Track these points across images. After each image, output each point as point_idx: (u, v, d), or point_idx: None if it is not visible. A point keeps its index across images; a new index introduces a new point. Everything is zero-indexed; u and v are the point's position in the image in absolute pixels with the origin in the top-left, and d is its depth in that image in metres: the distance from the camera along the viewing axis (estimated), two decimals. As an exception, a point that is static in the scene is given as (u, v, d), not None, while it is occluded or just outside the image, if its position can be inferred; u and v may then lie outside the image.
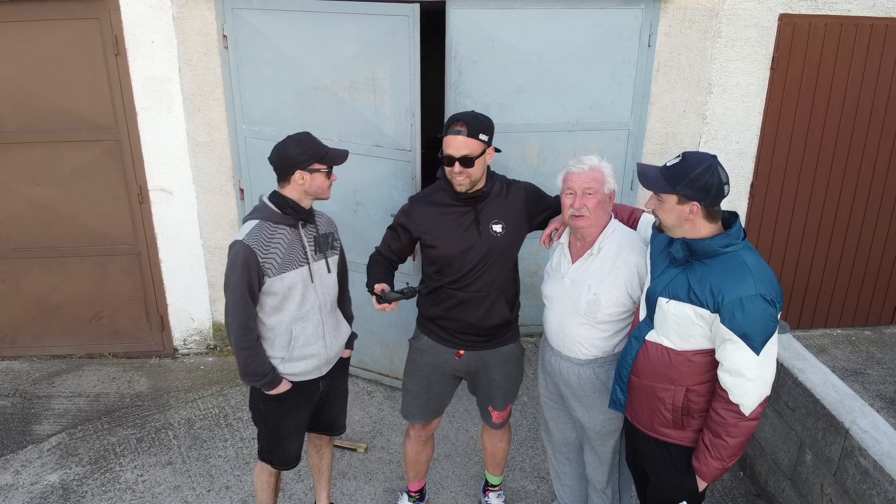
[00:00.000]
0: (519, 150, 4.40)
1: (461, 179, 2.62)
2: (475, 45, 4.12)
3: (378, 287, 2.66)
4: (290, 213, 2.60)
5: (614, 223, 2.66)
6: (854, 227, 4.93)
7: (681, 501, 2.50)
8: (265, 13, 3.89)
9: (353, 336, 2.99)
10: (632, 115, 4.41)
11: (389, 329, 4.23)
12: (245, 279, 2.50)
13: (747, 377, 2.20)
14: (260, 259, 2.51)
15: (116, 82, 4.07)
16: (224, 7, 3.95)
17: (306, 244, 2.65)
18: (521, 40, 4.15)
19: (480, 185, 2.70)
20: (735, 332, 2.18)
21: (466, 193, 2.68)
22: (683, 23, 4.23)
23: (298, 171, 2.55)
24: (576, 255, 2.67)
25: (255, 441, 3.84)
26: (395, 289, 2.67)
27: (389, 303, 2.63)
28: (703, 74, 4.37)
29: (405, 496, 3.33)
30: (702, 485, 2.45)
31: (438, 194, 2.76)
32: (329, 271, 2.74)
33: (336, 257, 2.80)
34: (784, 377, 3.33)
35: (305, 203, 2.63)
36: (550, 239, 2.82)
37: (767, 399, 2.28)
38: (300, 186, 2.58)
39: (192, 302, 4.56)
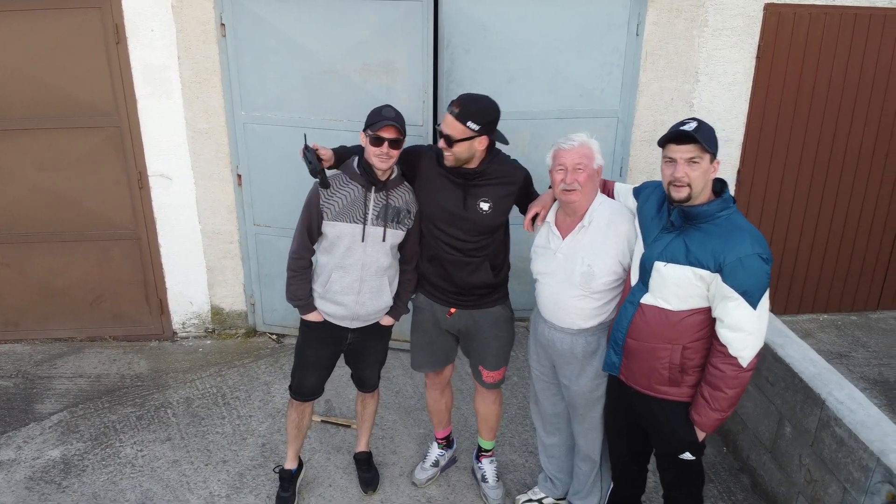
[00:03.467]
0: (510, 137, 4.34)
1: (447, 155, 2.75)
2: (467, 34, 4.22)
3: (324, 151, 2.88)
4: (363, 174, 2.83)
5: (601, 196, 2.77)
6: (839, 214, 5.03)
7: (684, 453, 2.65)
8: (270, 2, 4.00)
9: (402, 309, 3.13)
10: (620, 103, 4.51)
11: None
12: (307, 213, 2.89)
13: (747, 331, 2.38)
14: (321, 201, 2.84)
15: (117, 70, 4.17)
16: (222, -4, 4.07)
17: (370, 207, 2.85)
18: (513, 30, 4.25)
19: (472, 164, 2.81)
20: (737, 290, 2.34)
21: (457, 169, 2.80)
22: (671, 12, 4.33)
23: (362, 132, 2.81)
24: (565, 230, 2.77)
25: (251, 419, 3.97)
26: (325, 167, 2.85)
27: (307, 159, 2.78)
28: (691, 63, 4.47)
29: (434, 445, 3.53)
30: (701, 435, 2.60)
31: (441, 156, 2.88)
32: (384, 240, 2.90)
33: (400, 232, 2.93)
34: (764, 353, 3.43)
35: (379, 169, 2.79)
36: (532, 223, 2.92)
37: (761, 351, 2.45)
38: (366, 149, 2.81)
39: (191, 286, 4.66)
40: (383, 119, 2.71)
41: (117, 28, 4.10)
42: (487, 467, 3.44)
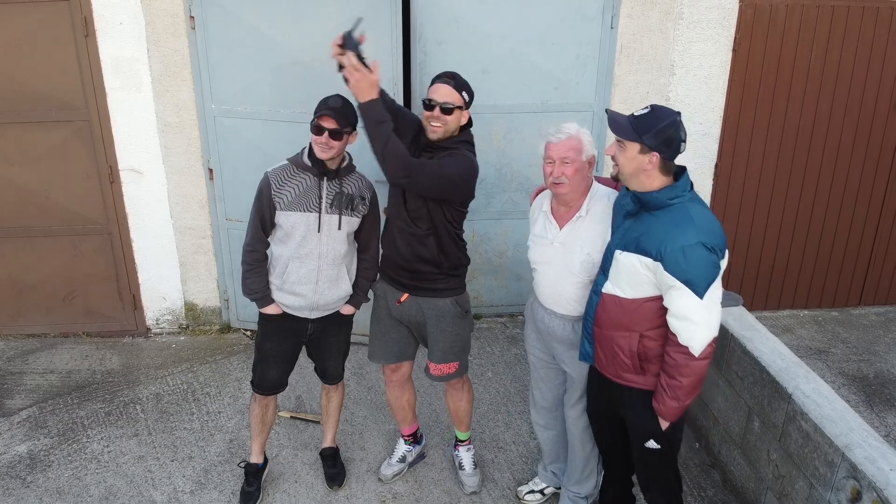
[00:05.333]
0: (485, 131, 4.46)
1: (436, 126, 2.76)
2: (440, 26, 4.19)
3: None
4: (314, 164, 2.83)
5: (597, 185, 2.77)
6: (819, 208, 4.99)
7: (648, 440, 2.64)
8: (235, -6, 3.97)
9: (361, 297, 3.14)
10: (596, 96, 4.48)
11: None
12: (258, 204, 2.87)
13: (693, 321, 2.35)
14: (273, 191, 2.83)
15: (86, 63, 4.14)
16: (191, -12, 4.03)
17: (324, 196, 2.84)
18: (486, 22, 4.22)
19: (448, 131, 2.82)
20: (679, 279, 2.33)
21: (430, 143, 2.81)
22: (645, 4, 4.29)
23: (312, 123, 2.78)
24: (561, 219, 2.77)
25: (220, 415, 3.94)
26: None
27: (343, 46, 2.63)
28: (666, 56, 4.44)
29: (401, 440, 3.49)
30: (663, 424, 2.57)
31: (420, 135, 2.92)
32: (339, 228, 2.89)
33: (355, 219, 2.94)
34: (734, 347, 3.40)
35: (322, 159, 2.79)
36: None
37: (715, 340, 2.43)
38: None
39: (164, 282, 4.63)
40: (326, 108, 2.70)
41: (86, 21, 4.06)
42: (464, 455, 3.44)
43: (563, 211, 2.77)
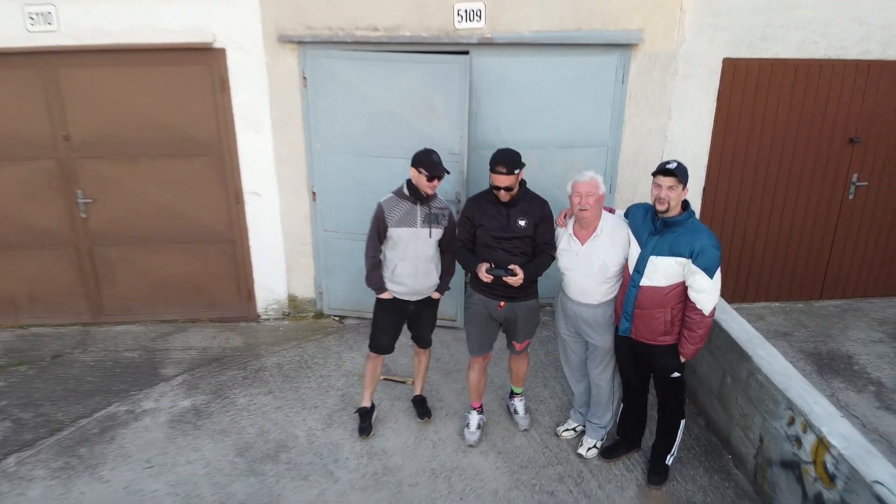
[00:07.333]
0: (524, 161, 5.74)
1: (505, 196, 3.99)
2: (489, 82, 5.47)
3: (484, 266, 3.98)
4: (411, 194, 4.12)
5: (605, 213, 4.06)
6: (786, 221, 6.26)
7: (674, 372, 4.04)
8: (341, 60, 5.24)
9: (444, 286, 4.42)
10: (610, 135, 5.75)
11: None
12: (375, 224, 4.16)
13: (707, 292, 3.75)
14: (385, 214, 4.13)
15: (221, 111, 5.41)
16: (305, 55, 5.30)
17: (419, 216, 4.14)
18: (525, 79, 5.49)
19: (513, 193, 4.04)
20: (700, 268, 3.69)
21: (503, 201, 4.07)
22: (649, 64, 5.57)
23: (412, 168, 4.06)
24: (582, 238, 4.03)
25: (330, 377, 5.21)
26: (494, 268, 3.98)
27: (494, 276, 3.95)
28: (665, 102, 5.71)
29: (474, 412, 4.62)
30: (683, 360, 3.99)
31: (486, 195, 4.12)
32: (430, 237, 4.21)
33: (439, 229, 4.22)
34: (714, 327, 4.67)
35: (424, 191, 4.08)
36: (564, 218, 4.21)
37: (716, 306, 3.81)
38: (413, 178, 4.07)
39: (273, 279, 5.91)
40: (439, 167, 4.02)
41: (222, 80, 5.33)
42: (518, 404, 4.74)
43: (584, 232, 4.03)
